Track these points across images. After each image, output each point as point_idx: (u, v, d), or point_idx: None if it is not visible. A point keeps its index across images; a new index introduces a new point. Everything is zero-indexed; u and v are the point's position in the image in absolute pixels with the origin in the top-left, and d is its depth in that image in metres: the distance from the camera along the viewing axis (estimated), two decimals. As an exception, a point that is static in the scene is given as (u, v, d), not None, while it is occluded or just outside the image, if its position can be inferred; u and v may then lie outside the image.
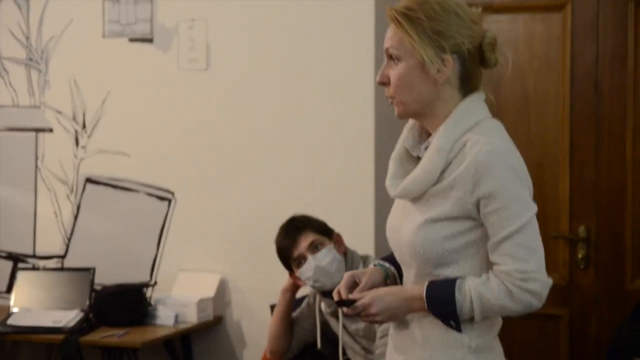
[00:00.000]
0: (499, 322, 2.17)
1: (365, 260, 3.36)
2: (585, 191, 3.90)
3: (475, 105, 2.13)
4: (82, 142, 4.35)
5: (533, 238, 2.05)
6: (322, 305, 3.41)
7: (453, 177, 2.06)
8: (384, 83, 2.16)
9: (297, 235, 3.30)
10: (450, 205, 2.07)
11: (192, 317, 3.96)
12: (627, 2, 3.83)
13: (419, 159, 2.19)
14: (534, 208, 2.06)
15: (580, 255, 3.89)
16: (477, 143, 2.05)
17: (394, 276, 2.25)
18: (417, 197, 2.12)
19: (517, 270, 2.02)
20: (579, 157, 3.90)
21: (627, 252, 3.86)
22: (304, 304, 3.54)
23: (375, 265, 2.28)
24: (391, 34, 2.13)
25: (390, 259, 2.28)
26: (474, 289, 2.05)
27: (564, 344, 3.94)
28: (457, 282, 2.06)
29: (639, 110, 3.84)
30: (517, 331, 3.85)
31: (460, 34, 2.10)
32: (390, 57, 2.14)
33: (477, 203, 2.05)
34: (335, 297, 2.19)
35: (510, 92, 3.93)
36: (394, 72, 2.13)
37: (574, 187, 3.90)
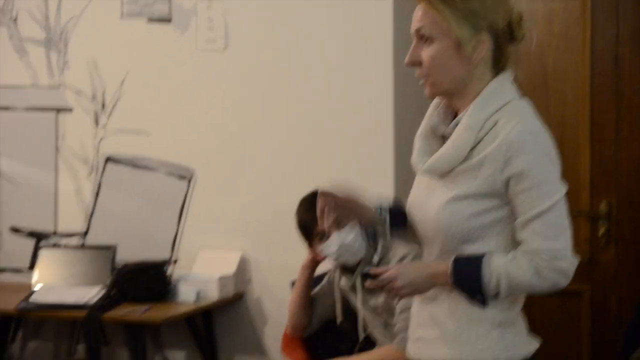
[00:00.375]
0: (522, 298, 2.19)
1: (385, 237, 3.37)
2: (605, 168, 3.90)
3: (506, 84, 2.14)
4: (101, 121, 4.36)
5: (562, 217, 2.06)
6: (343, 280, 3.42)
7: (483, 155, 2.07)
8: (414, 64, 2.15)
9: None
10: (478, 182, 2.08)
11: (213, 294, 3.98)
12: (648, -21, 3.82)
13: (443, 137, 2.20)
14: (563, 188, 2.08)
15: (601, 232, 3.90)
16: (509, 122, 2.06)
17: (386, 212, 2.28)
18: (443, 174, 2.14)
19: (546, 249, 2.04)
20: (599, 134, 3.90)
21: (647, 229, 3.87)
22: (324, 281, 3.55)
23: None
24: (421, 14, 2.13)
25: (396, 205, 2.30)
26: (502, 266, 2.06)
27: (585, 319, 3.95)
28: (484, 259, 2.08)
29: (659, 87, 3.84)
30: (538, 307, 3.85)
31: (494, 11, 2.11)
32: (421, 37, 2.13)
33: (507, 181, 2.06)
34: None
35: (530, 70, 3.92)
36: (427, 53, 2.12)
37: (594, 163, 3.91)
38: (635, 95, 3.85)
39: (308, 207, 3.36)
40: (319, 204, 2.23)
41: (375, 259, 3.30)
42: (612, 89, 3.88)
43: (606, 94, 3.89)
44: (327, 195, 2.23)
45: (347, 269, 3.38)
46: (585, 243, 3.90)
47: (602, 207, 3.90)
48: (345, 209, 2.24)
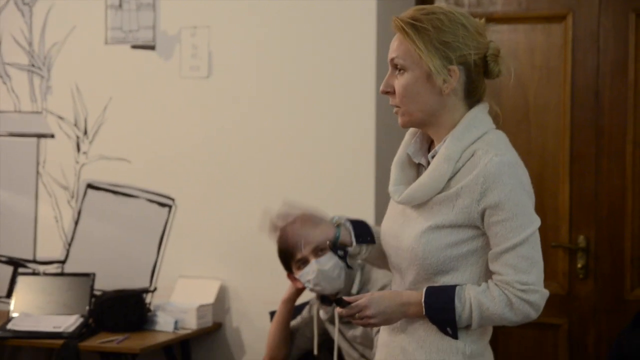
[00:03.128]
0: (490, 329, 2.20)
1: (363, 267, 3.37)
2: (585, 201, 3.91)
3: (482, 115, 2.16)
4: (83, 147, 4.36)
5: (535, 250, 2.08)
6: (321, 312, 3.42)
7: (460, 185, 2.08)
8: (387, 92, 2.17)
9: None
10: (455, 212, 2.09)
11: (191, 324, 3.97)
12: (628, 13, 3.84)
13: (419, 165, 2.21)
14: (537, 221, 2.10)
15: (579, 265, 3.90)
16: (487, 153, 2.08)
17: (347, 236, 2.26)
18: (420, 204, 2.14)
19: (518, 282, 2.06)
20: (579, 167, 3.91)
21: (626, 262, 3.87)
22: (304, 312, 3.55)
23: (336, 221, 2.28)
24: (397, 44, 2.15)
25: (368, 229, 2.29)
26: (474, 297, 2.07)
27: (562, 353, 3.94)
28: (457, 290, 2.08)
29: (638, 121, 3.85)
30: (515, 340, 3.85)
31: (467, 45, 2.12)
32: (395, 67, 2.16)
33: (483, 212, 2.07)
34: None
35: (511, 102, 3.94)
36: (400, 82, 2.14)
37: (574, 196, 3.91)
38: (615, 128, 3.87)
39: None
40: (280, 230, 2.22)
41: (355, 289, 3.31)
42: (592, 123, 3.90)
43: (586, 127, 3.90)
44: (284, 217, 2.22)
45: (325, 300, 3.38)
46: (564, 276, 3.90)
47: (581, 240, 3.90)
48: (305, 225, 2.22)
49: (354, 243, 2.26)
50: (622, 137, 3.86)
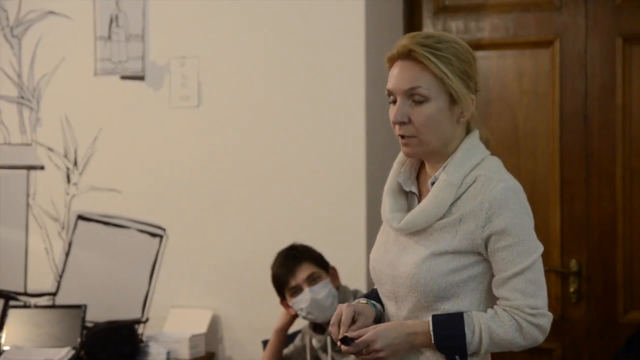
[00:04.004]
0: (489, 355, 2.20)
1: (355, 295, 3.37)
2: (576, 225, 3.91)
3: (477, 142, 2.19)
4: (73, 179, 4.35)
5: (541, 275, 2.11)
6: (314, 340, 3.40)
7: (463, 211, 2.09)
8: (403, 122, 2.14)
9: (295, 265, 3.30)
10: (458, 239, 2.09)
11: (184, 354, 3.95)
12: (615, 37, 3.87)
13: (408, 193, 2.21)
14: (541, 246, 2.12)
15: (572, 289, 3.90)
16: (491, 179, 2.09)
17: (381, 314, 2.25)
18: (418, 231, 2.14)
19: (528, 306, 2.07)
20: (570, 191, 3.92)
21: (618, 286, 3.87)
22: (296, 340, 3.53)
23: (364, 302, 2.26)
24: (414, 74, 2.12)
25: (373, 295, 2.29)
26: (484, 324, 2.08)
27: (556, 378, 3.94)
28: (465, 318, 2.09)
29: (628, 145, 3.87)
30: (509, 365, 3.85)
31: (477, 73, 2.17)
32: (411, 96, 2.12)
33: (488, 238, 2.08)
34: (334, 333, 2.17)
35: (501, 128, 3.95)
36: (423, 112, 2.12)
37: (565, 221, 3.92)
38: (605, 152, 3.89)
39: (283, 261, 3.36)
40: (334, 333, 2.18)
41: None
42: (581, 147, 3.91)
43: (576, 151, 3.92)
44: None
45: (318, 329, 3.37)
46: (557, 300, 3.90)
47: (573, 264, 3.90)
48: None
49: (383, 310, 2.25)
50: (612, 161, 3.87)
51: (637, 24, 3.85)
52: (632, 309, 3.85)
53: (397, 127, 2.15)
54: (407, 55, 2.12)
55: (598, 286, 3.89)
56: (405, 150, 2.17)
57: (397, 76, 2.14)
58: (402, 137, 2.15)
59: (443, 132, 2.14)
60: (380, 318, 2.25)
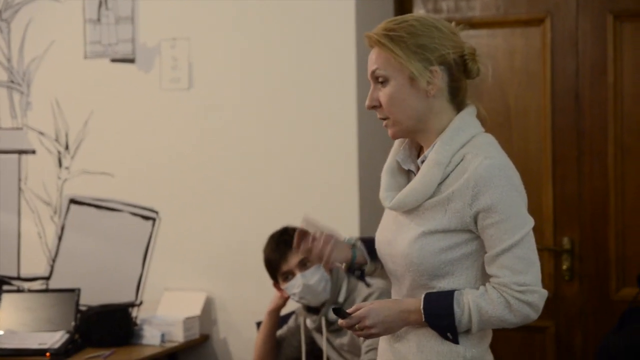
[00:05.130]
0: (490, 333, 2.20)
1: (349, 275, 3.37)
2: (568, 203, 3.92)
3: (469, 119, 2.17)
4: (65, 163, 4.34)
5: (531, 251, 2.09)
6: (308, 321, 3.41)
7: (451, 190, 2.09)
8: (374, 107, 2.18)
9: (287, 250, 3.30)
10: (447, 217, 2.10)
11: (178, 336, 3.95)
12: (606, 15, 3.86)
13: (409, 172, 2.22)
14: (531, 221, 2.11)
15: (564, 267, 3.91)
16: (477, 157, 2.08)
17: (360, 262, 2.27)
18: (411, 210, 2.15)
19: (515, 283, 2.06)
20: (561, 170, 3.93)
21: (611, 263, 3.88)
22: (290, 321, 3.54)
23: (351, 243, 2.29)
24: (375, 57, 2.17)
25: (369, 242, 2.29)
26: (473, 301, 2.08)
27: (550, 355, 3.95)
28: (455, 295, 2.09)
29: (619, 122, 3.87)
30: (502, 343, 3.85)
31: (443, 45, 2.14)
32: (376, 79, 2.17)
33: (476, 216, 2.08)
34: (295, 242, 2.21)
35: (492, 106, 3.95)
36: (385, 93, 2.15)
37: (557, 199, 3.93)
38: (596, 130, 3.89)
39: (275, 246, 3.36)
40: (296, 239, 2.22)
41: (341, 297, 3.31)
42: (573, 125, 3.91)
43: (568, 129, 3.92)
44: (304, 232, 2.23)
45: (312, 309, 3.38)
46: (549, 278, 3.91)
47: (566, 242, 3.91)
48: (327, 244, 2.22)
49: (369, 261, 2.27)
50: (604, 139, 3.88)
51: (627, 1, 3.84)
52: (625, 285, 3.86)
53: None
54: (371, 42, 2.17)
55: (591, 264, 3.90)
56: (389, 132, 2.20)
57: (368, 61, 2.19)
58: (382, 120, 2.19)
59: (412, 109, 2.14)
60: (353, 266, 2.27)
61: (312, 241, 2.21)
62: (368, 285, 3.16)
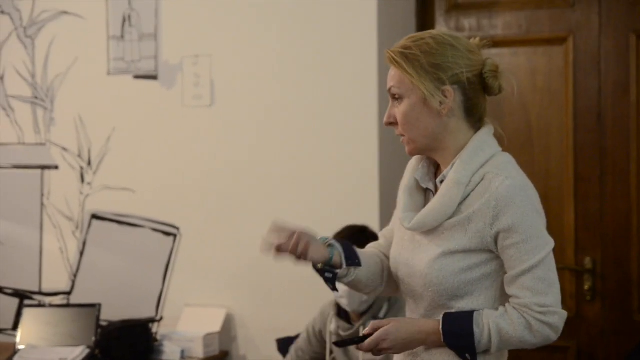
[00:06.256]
0: (506, 352, 2.19)
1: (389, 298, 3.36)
2: (590, 222, 3.90)
3: (488, 138, 2.17)
4: (87, 178, 4.37)
5: (551, 272, 2.08)
6: (332, 327, 3.40)
7: (472, 210, 2.09)
8: (391, 123, 2.20)
9: None
10: (468, 237, 2.09)
11: (198, 353, 3.96)
12: (628, 34, 3.85)
13: (426, 190, 2.21)
14: (551, 242, 2.10)
15: (586, 287, 3.89)
16: (498, 177, 2.08)
17: (340, 262, 2.20)
18: (430, 230, 2.14)
19: (536, 304, 2.05)
20: (584, 189, 3.91)
21: (633, 284, 3.86)
22: (301, 340, 3.54)
23: (329, 243, 2.22)
24: (392, 74, 2.18)
25: (347, 247, 2.23)
26: (493, 322, 2.07)
27: (571, 376, 3.93)
28: (475, 316, 2.08)
29: (642, 141, 3.85)
30: (524, 364, 3.84)
31: (458, 64, 2.13)
32: (393, 97, 2.18)
33: (496, 236, 2.07)
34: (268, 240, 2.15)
35: (514, 125, 3.95)
36: (399, 111, 2.17)
37: (579, 218, 3.91)
38: (619, 149, 3.87)
39: (345, 237, 3.35)
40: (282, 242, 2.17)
41: (382, 314, 3.30)
42: (595, 144, 3.90)
43: (590, 148, 3.91)
44: (278, 234, 2.18)
45: (343, 317, 3.37)
46: (571, 298, 3.89)
47: (587, 262, 3.89)
48: (302, 242, 2.17)
49: (344, 265, 2.20)
50: (626, 158, 3.86)
51: (651, 21, 3.84)
52: (647, 306, 3.84)
53: None
54: (388, 59, 2.18)
55: (612, 284, 3.88)
56: (406, 150, 2.20)
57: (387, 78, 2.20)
58: (401, 136, 2.20)
59: (425, 128, 2.14)
60: (327, 266, 2.19)
61: (286, 238, 2.16)
62: (335, 290, 3.16)
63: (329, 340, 3.44)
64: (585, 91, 3.91)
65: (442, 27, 4.08)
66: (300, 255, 2.15)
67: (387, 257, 2.29)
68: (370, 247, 2.37)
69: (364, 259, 2.24)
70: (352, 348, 3.36)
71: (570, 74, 3.92)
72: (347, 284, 2.26)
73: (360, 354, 3.30)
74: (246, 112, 4.11)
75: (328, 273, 2.20)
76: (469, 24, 4.07)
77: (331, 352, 3.46)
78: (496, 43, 3.92)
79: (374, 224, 3.87)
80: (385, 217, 3.87)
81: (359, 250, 2.26)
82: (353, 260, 2.21)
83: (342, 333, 3.40)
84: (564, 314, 2.08)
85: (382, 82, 3.88)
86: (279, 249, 2.17)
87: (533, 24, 3.98)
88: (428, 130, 2.15)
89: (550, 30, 3.96)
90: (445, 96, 2.12)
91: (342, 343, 2.23)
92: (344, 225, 3.87)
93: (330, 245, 2.21)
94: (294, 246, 2.15)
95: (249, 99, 4.10)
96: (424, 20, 4.13)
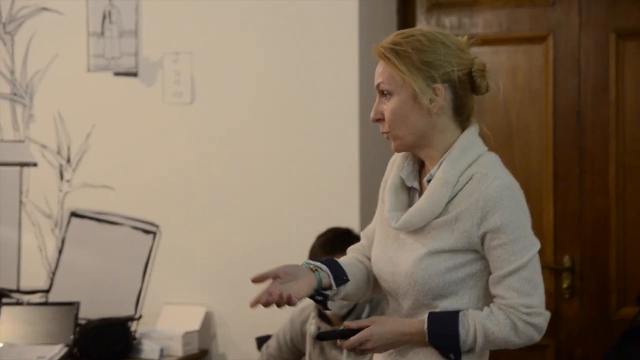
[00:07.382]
0: (487, 351, 2.19)
1: (371, 300, 3.35)
2: (569, 221, 3.91)
3: (474, 138, 2.16)
4: (66, 176, 4.34)
5: (537, 273, 2.09)
6: (312, 328, 3.39)
7: (459, 209, 2.08)
8: (378, 120, 2.17)
9: (336, 252, 3.26)
10: (455, 237, 2.09)
11: (177, 351, 3.94)
12: (608, 33, 3.87)
13: (410, 189, 2.21)
14: (538, 243, 2.11)
15: (565, 285, 3.90)
16: (486, 177, 2.07)
17: (327, 279, 2.15)
18: (416, 229, 2.13)
19: (522, 305, 2.05)
20: (563, 187, 3.92)
21: (611, 282, 3.87)
22: (278, 339, 3.53)
23: (311, 267, 2.16)
24: (381, 70, 2.16)
25: (330, 263, 2.18)
26: (479, 323, 2.07)
27: (550, 374, 3.94)
28: (460, 316, 2.08)
29: (621, 140, 3.87)
30: (503, 362, 3.85)
31: (449, 62, 2.12)
32: (381, 93, 2.16)
33: (483, 236, 2.07)
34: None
35: (494, 123, 3.95)
36: (387, 107, 2.14)
37: (558, 216, 3.92)
38: (598, 148, 3.89)
39: (329, 240, 3.36)
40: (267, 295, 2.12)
41: (364, 315, 3.29)
42: (575, 143, 3.91)
43: (569, 147, 3.92)
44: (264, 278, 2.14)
45: (325, 319, 3.36)
46: (550, 297, 3.87)
47: (566, 260, 3.91)
48: (286, 279, 2.12)
49: (334, 287, 2.16)
50: (605, 157, 3.87)
51: (630, 19, 3.85)
52: (626, 304, 3.85)
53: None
54: (378, 54, 2.16)
55: (591, 282, 3.90)
56: (392, 146, 2.18)
57: (375, 74, 2.18)
58: (385, 133, 2.17)
59: (414, 126, 2.13)
60: (320, 285, 2.13)
61: (273, 284, 2.10)
62: (327, 309, 3.16)
63: (309, 340, 3.43)
64: (565, 90, 3.92)
65: (422, 25, 4.08)
66: (288, 303, 2.09)
67: (370, 259, 2.28)
68: (353, 249, 2.35)
69: (350, 273, 2.21)
70: (330, 351, 3.36)
71: (550, 72, 3.93)
72: (342, 299, 2.24)
73: (344, 354, 3.30)
74: (226, 109, 4.10)
75: (318, 296, 2.16)
76: (449, 22, 4.07)
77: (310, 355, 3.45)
78: (477, 41, 3.95)
79: (354, 222, 3.88)
80: (366, 215, 3.87)
81: (344, 264, 2.22)
82: (341, 279, 2.18)
83: (313, 331, 3.39)
84: (548, 314, 2.09)
85: (363, 80, 3.88)
86: (266, 304, 2.12)
87: (513, 22, 3.99)
88: (416, 128, 2.13)
89: (530, 29, 3.97)
90: (436, 94, 2.11)
91: (324, 336, 2.21)
92: (323, 222, 3.87)
93: (315, 270, 2.15)
94: (278, 300, 2.09)
95: (230, 96, 4.09)
96: (405, 19, 4.14)
